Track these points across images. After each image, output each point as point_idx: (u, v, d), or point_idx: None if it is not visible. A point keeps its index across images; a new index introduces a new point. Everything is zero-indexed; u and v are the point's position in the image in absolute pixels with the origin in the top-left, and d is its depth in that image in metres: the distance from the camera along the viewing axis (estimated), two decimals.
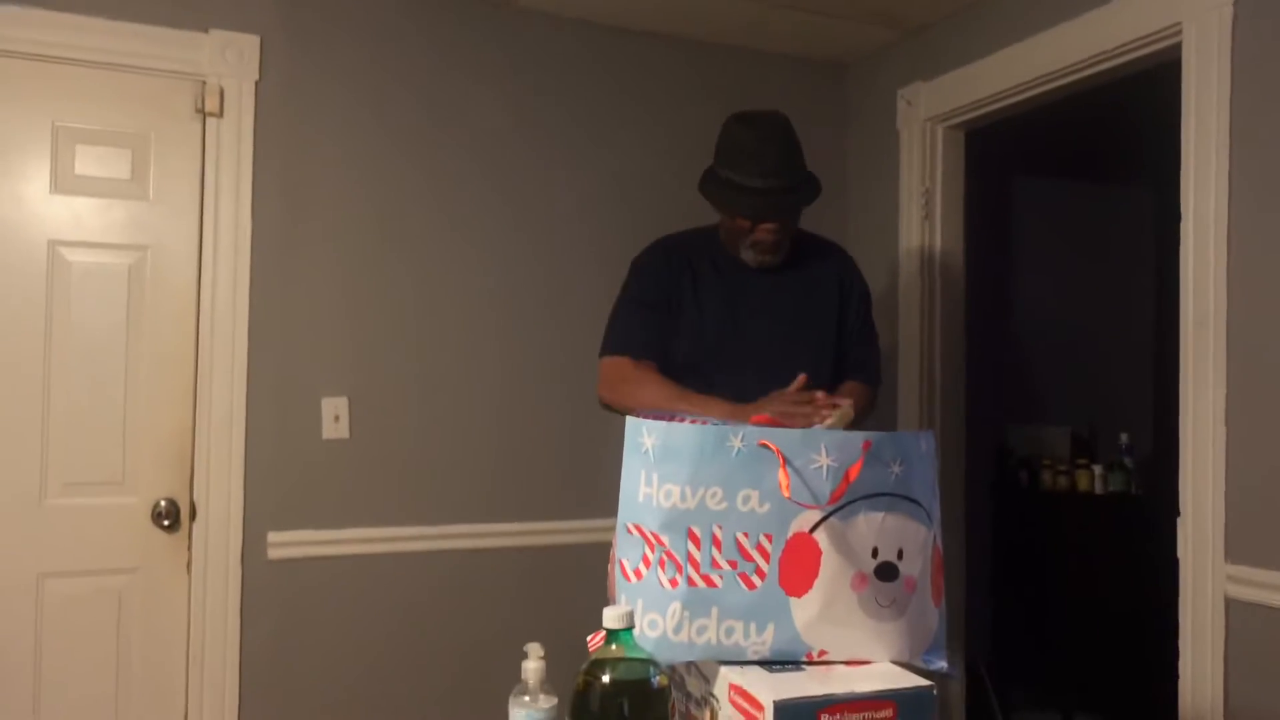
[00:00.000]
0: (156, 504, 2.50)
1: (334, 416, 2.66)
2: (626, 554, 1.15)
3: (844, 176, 3.29)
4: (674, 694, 1.11)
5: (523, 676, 1.14)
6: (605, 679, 1.00)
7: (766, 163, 1.95)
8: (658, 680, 1.02)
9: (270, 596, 2.59)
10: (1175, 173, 2.23)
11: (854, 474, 1.12)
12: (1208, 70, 2.15)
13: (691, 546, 1.12)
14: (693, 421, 1.16)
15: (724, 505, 1.12)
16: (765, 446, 1.12)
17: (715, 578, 1.12)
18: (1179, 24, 2.22)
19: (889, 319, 3.08)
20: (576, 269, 2.92)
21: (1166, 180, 2.24)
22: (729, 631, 1.12)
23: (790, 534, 1.13)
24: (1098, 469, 4.08)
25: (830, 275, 2.18)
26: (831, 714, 1.00)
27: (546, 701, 1.13)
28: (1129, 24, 2.34)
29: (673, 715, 1.03)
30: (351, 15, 2.71)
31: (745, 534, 1.12)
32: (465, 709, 2.73)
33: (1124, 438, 4.15)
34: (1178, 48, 2.24)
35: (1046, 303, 4.40)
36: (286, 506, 2.62)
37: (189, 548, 2.53)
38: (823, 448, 1.13)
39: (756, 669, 1.10)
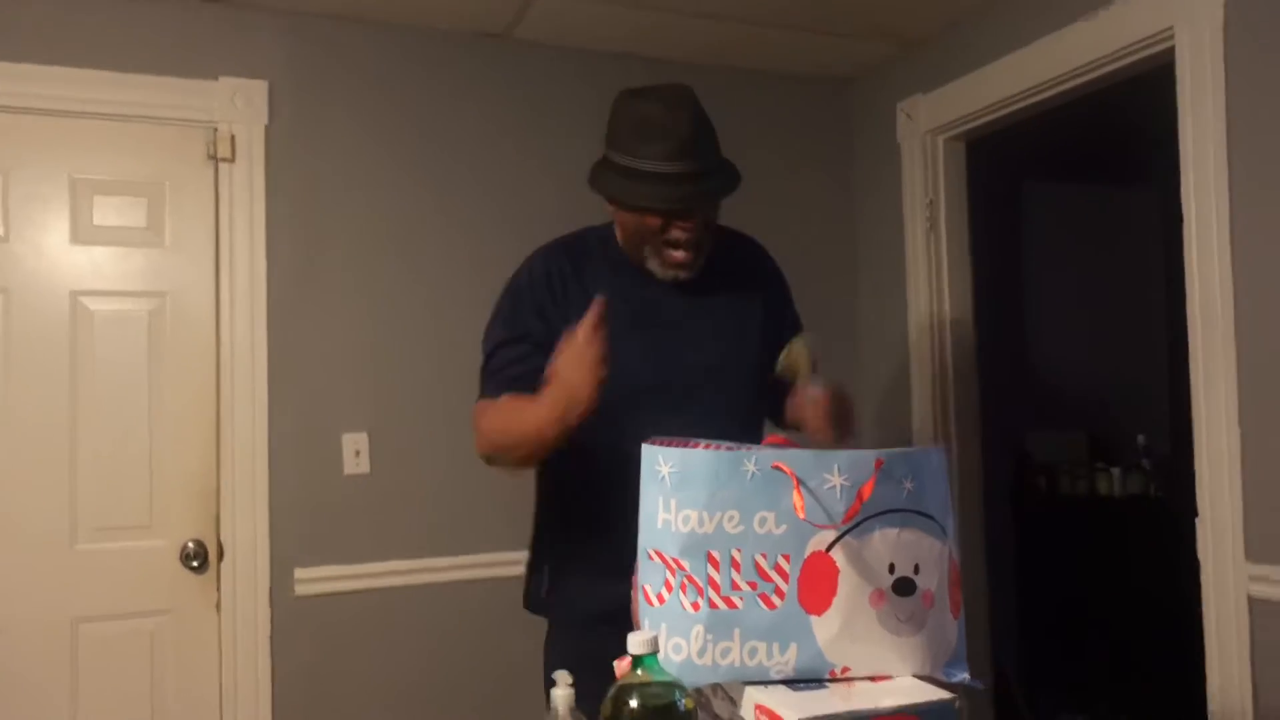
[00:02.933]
0: (185, 545, 2.54)
1: (355, 452, 2.70)
2: (648, 579, 1.17)
3: (849, 192, 3.32)
4: (700, 717, 1.13)
5: (551, 704, 1.16)
6: (633, 704, 1.02)
7: (680, 139, 1.54)
8: (684, 704, 1.04)
9: (299, 633, 2.62)
10: (1179, 174, 2.25)
11: (867, 492, 1.14)
12: (1201, 73, 2.17)
13: (711, 569, 1.14)
14: (706, 447, 1.18)
15: (741, 528, 1.14)
16: (779, 469, 1.14)
17: (736, 599, 1.13)
18: (1171, 28, 2.24)
19: (899, 332, 3.10)
20: None
21: (1174, 179, 2.26)
22: (752, 652, 1.13)
23: (808, 553, 1.14)
24: (1116, 472, 4.07)
25: (750, 278, 1.81)
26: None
27: None
28: (1121, 30, 2.37)
29: None
30: (356, 56, 2.76)
31: (763, 555, 1.14)
32: None
33: (1141, 440, 4.15)
34: (1172, 51, 2.26)
35: (1059, 307, 4.41)
36: (311, 543, 2.65)
37: (218, 588, 2.56)
38: (835, 467, 1.15)
39: (781, 688, 1.12)
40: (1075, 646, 3.93)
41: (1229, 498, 2.11)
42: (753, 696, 1.11)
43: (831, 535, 1.14)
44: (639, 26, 2.85)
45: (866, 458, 1.16)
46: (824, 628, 1.14)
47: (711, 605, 1.13)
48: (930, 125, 2.99)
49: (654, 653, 1.05)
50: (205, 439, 2.58)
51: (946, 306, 3.02)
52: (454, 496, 2.79)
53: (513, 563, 2.81)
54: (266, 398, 2.61)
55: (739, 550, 1.14)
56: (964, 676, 1.21)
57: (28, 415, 2.44)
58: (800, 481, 1.13)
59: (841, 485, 1.14)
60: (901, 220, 3.09)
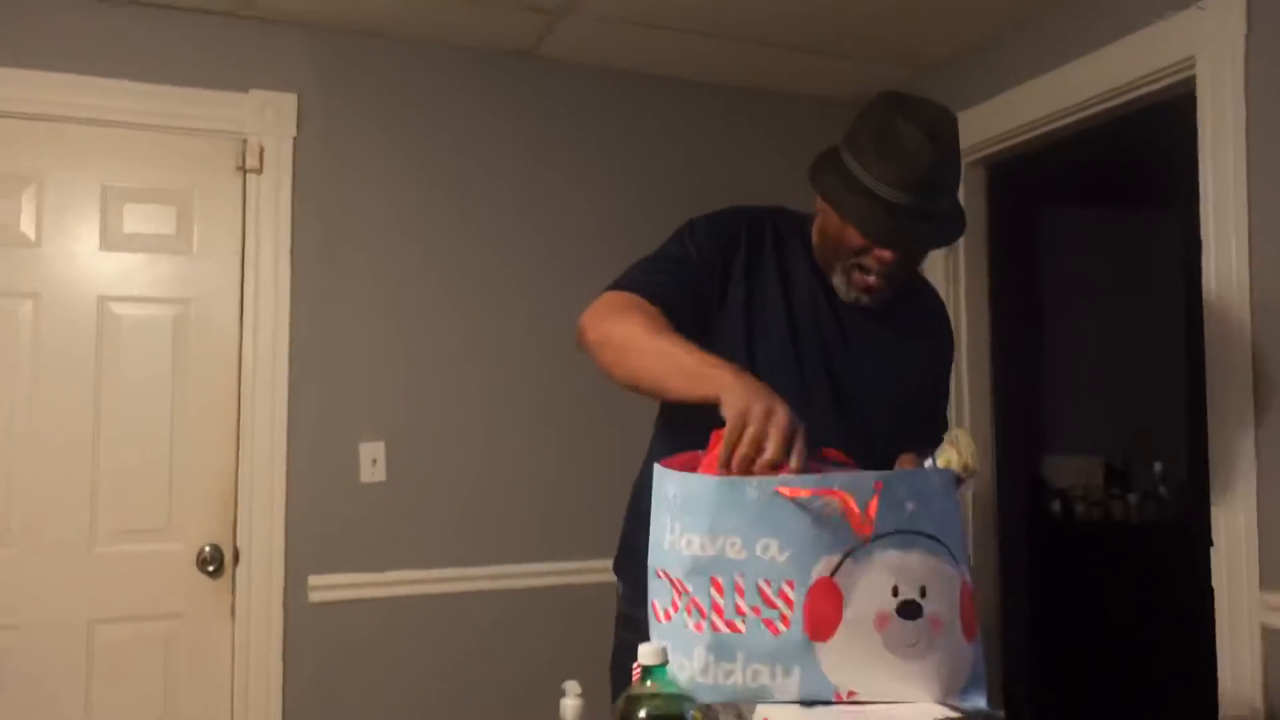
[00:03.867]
0: (201, 550, 2.57)
1: (371, 460, 2.72)
2: (657, 596, 1.18)
3: None
4: None
5: (561, 714, 1.17)
6: (641, 714, 1.03)
7: (919, 171, 1.40)
8: (692, 715, 1.04)
9: (312, 639, 2.63)
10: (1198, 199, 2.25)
11: (872, 511, 1.11)
12: (1222, 102, 2.18)
13: (715, 593, 1.13)
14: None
15: (743, 554, 1.13)
16: (780, 494, 1.12)
17: (739, 623, 1.13)
18: (1192, 57, 2.25)
19: None
20: None
21: (1193, 203, 2.26)
22: (755, 675, 1.13)
23: (813, 580, 1.13)
24: (1132, 499, 4.05)
25: (925, 328, 1.68)
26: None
27: None
28: (1142, 59, 2.37)
29: None
30: (384, 71, 2.81)
31: (766, 581, 1.13)
32: None
33: (1158, 467, 4.12)
34: (1193, 80, 2.27)
35: (1077, 331, 4.39)
36: (326, 550, 2.67)
37: (233, 592, 2.58)
38: (836, 488, 1.12)
39: (793, 707, 1.12)
40: (1088, 672, 3.89)
41: (1244, 526, 2.10)
42: (763, 712, 1.12)
43: (836, 559, 1.13)
44: (662, 47, 2.89)
45: (866, 479, 1.14)
46: (828, 653, 1.13)
47: (714, 628, 1.13)
48: None
49: (664, 664, 1.06)
50: (225, 444, 2.61)
51: (964, 332, 3.02)
52: (470, 507, 2.80)
53: (529, 574, 2.84)
54: (286, 405, 2.64)
55: (741, 575, 1.13)
56: (980, 703, 1.19)
57: (53, 417, 2.47)
58: (802, 505, 1.12)
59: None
60: None
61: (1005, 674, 3.09)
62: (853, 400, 1.54)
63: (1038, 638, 3.99)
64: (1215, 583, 2.17)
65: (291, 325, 2.67)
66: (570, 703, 1.17)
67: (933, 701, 1.15)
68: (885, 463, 1.54)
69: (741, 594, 1.13)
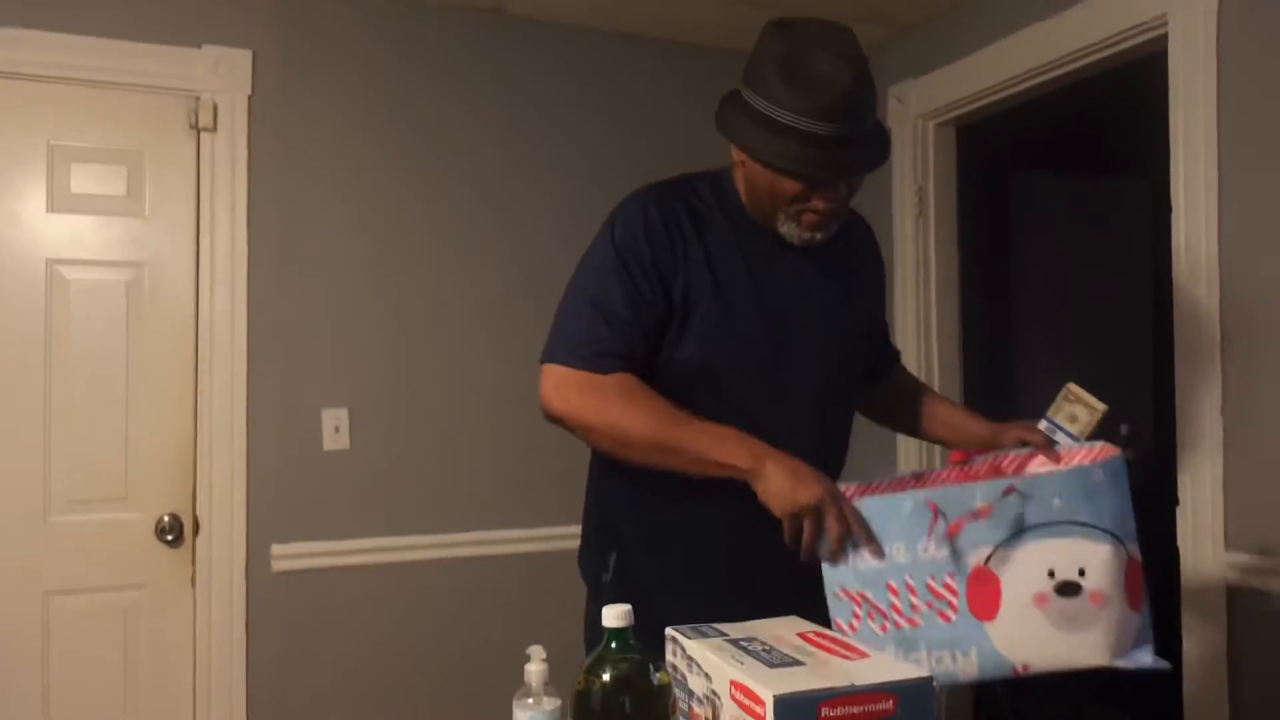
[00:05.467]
0: (160, 519, 2.51)
1: (334, 428, 2.67)
2: (838, 614, 1.32)
3: None
4: (676, 691, 1.11)
5: (526, 679, 1.15)
6: (606, 678, 1.01)
7: (840, 96, 1.29)
8: (658, 678, 1.02)
9: (275, 608, 2.60)
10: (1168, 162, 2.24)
11: (985, 514, 1.30)
12: (1194, 61, 2.16)
13: (891, 596, 1.31)
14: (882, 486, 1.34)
15: (908, 557, 1.31)
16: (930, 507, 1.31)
17: (916, 618, 1.30)
18: (1164, 15, 2.23)
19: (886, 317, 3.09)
20: (567, 273, 2.93)
21: (1163, 171, 2.25)
22: (939, 660, 1.29)
23: (970, 569, 1.30)
24: None
25: (868, 247, 1.67)
26: (832, 707, 1.01)
27: (550, 703, 1.14)
28: (1115, 16, 2.35)
29: (674, 712, 1.04)
30: (342, 27, 2.73)
31: (932, 577, 1.30)
32: (470, 713, 2.74)
33: (1124, 429, 4.15)
34: (1164, 39, 2.25)
35: (1045, 295, 4.41)
36: (289, 519, 2.62)
37: (193, 562, 2.54)
38: (977, 496, 1.32)
39: (758, 665, 1.11)
40: None
41: (1210, 487, 2.12)
42: (728, 673, 1.10)
43: (986, 551, 1.30)
44: (627, 3, 2.83)
45: (998, 487, 1.32)
46: (998, 631, 1.29)
47: (896, 626, 1.30)
48: (921, 110, 2.98)
49: (629, 626, 1.04)
50: (183, 412, 2.55)
51: (933, 295, 3.01)
52: (434, 474, 2.77)
53: (493, 541, 2.82)
54: (245, 371, 2.58)
55: (910, 576, 1.31)
56: (1147, 660, 1.33)
57: (2, 385, 2.40)
58: (945, 514, 1.30)
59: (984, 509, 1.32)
60: (891, 206, 3.07)
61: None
62: (825, 347, 1.51)
63: None
64: (1180, 543, 2.18)
65: (249, 289, 2.60)
66: (535, 668, 1.15)
67: (1098, 665, 1.32)
68: (857, 398, 1.65)
69: (914, 592, 1.31)
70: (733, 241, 1.46)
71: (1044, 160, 4.37)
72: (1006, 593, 1.29)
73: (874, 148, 1.39)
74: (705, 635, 1.16)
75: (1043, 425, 1.54)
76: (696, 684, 1.15)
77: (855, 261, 1.60)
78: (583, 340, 1.42)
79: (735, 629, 1.18)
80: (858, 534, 1.31)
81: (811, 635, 1.16)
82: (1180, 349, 2.20)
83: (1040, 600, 1.29)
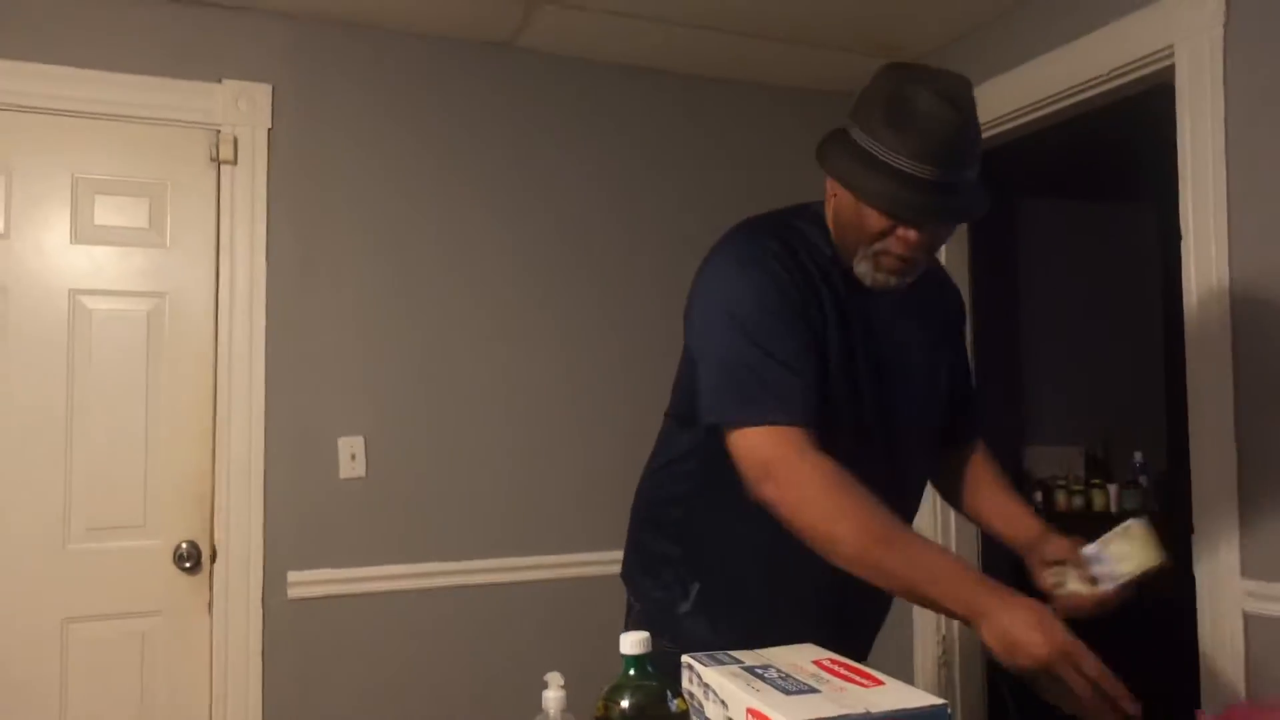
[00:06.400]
0: (178, 546, 2.53)
1: (350, 455, 2.69)
2: None
3: None
4: (693, 719, 1.12)
5: (543, 705, 1.16)
6: (624, 704, 1.02)
7: (940, 139, 1.27)
8: (675, 704, 1.03)
9: (291, 635, 2.61)
10: (1177, 189, 2.26)
11: None
12: (1201, 90, 2.18)
13: None
14: None
15: None
16: None
17: None
18: (1171, 46, 2.25)
19: None
20: (583, 304, 2.96)
21: (1171, 195, 2.27)
22: None
23: None
24: (1112, 488, 4.07)
25: (953, 304, 1.65)
26: None
27: None
28: (1122, 48, 2.38)
29: None
30: (359, 61, 2.77)
31: None
32: None
33: (1138, 456, 4.15)
34: (1171, 70, 2.27)
35: (1056, 322, 4.42)
36: (305, 546, 2.64)
37: (210, 589, 2.55)
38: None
39: (774, 692, 1.12)
40: None
41: (1225, 514, 2.11)
42: (744, 701, 1.10)
43: None
44: (640, 38, 2.87)
45: None
46: None
47: None
48: None
49: (646, 653, 1.05)
50: (201, 440, 2.58)
51: None
52: (450, 502, 2.78)
53: (509, 569, 2.83)
54: (264, 400, 2.61)
55: None
56: None
57: (24, 413, 2.43)
58: None
59: None
60: None
61: (989, 662, 3.09)
62: (924, 397, 1.48)
63: None
64: (1196, 570, 2.18)
65: (268, 319, 2.63)
66: (552, 694, 1.16)
67: None
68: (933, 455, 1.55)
69: None
70: (831, 283, 1.42)
71: (1049, 188, 4.39)
72: None
73: (968, 198, 1.34)
74: (721, 663, 1.17)
75: (1090, 549, 1.44)
76: (713, 712, 1.16)
77: (939, 314, 1.57)
78: (753, 395, 1.32)
79: (751, 656, 1.19)
80: (1108, 685, 1.15)
81: (826, 663, 1.16)
82: (1193, 376, 2.21)
83: None
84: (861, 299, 1.42)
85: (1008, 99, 2.72)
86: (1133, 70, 2.39)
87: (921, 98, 1.28)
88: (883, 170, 1.29)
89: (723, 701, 1.14)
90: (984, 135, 2.80)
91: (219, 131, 2.62)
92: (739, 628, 1.37)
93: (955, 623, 1.23)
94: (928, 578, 1.24)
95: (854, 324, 1.42)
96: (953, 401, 1.58)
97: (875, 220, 1.33)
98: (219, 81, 2.62)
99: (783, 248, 1.40)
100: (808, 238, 1.44)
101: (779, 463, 1.28)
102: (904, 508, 1.37)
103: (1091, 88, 2.50)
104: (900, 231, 1.33)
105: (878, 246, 1.35)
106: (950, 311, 1.62)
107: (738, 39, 2.89)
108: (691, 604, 1.52)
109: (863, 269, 1.39)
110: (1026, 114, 2.70)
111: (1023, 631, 1.16)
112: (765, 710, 1.06)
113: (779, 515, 1.30)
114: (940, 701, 1.05)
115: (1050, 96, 2.60)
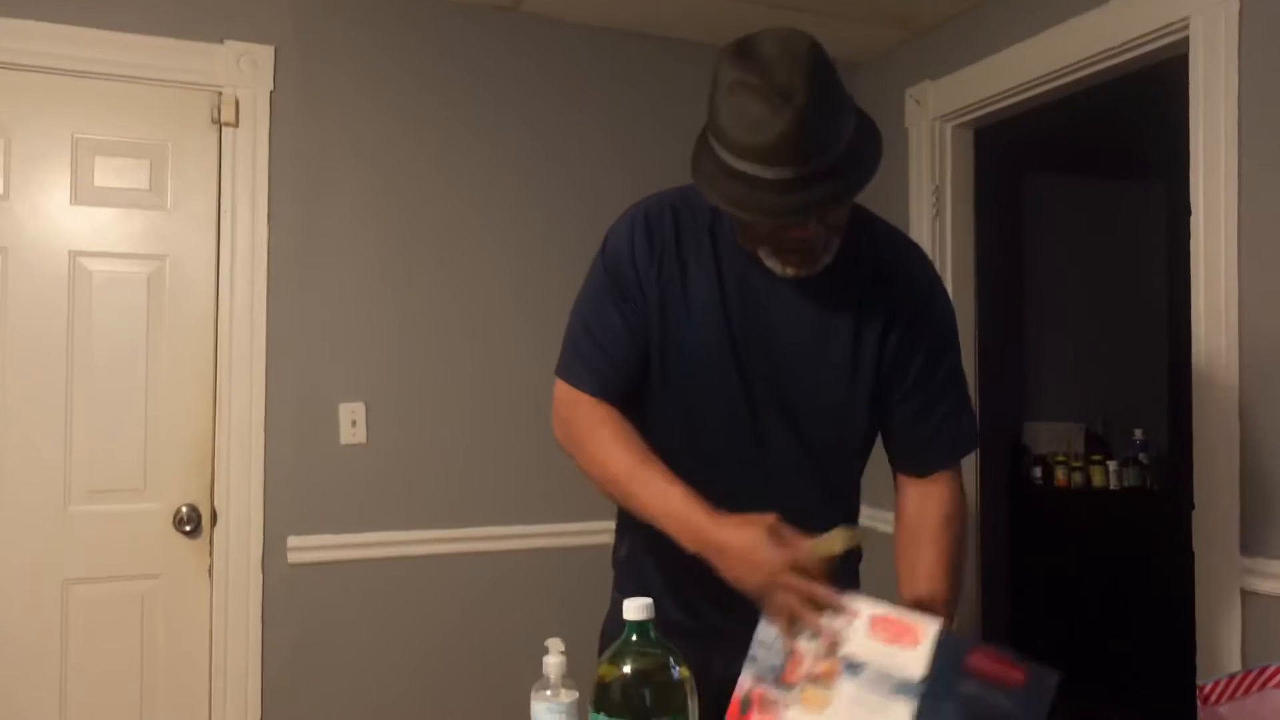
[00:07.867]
0: (178, 510, 2.53)
1: (351, 421, 2.69)
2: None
3: None
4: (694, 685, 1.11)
5: (544, 671, 1.16)
6: (626, 670, 1.01)
7: (777, 137, 1.15)
8: (679, 671, 1.03)
9: (291, 600, 2.62)
10: (1185, 166, 2.24)
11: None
12: (1215, 64, 2.16)
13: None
14: None
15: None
16: None
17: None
18: (1186, 18, 2.22)
19: None
20: (584, 270, 2.94)
21: (1178, 173, 2.25)
22: None
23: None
24: (1112, 465, 4.07)
25: (929, 307, 1.46)
26: (978, 658, 1.08)
27: (568, 695, 1.14)
28: (1136, 19, 2.35)
29: (692, 697, 1.04)
30: (362, 23, 2.74)
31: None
32: (487, 707, 2.75)
33: (1138, 433, 4.14)
34: (1185, 42, 2.24)
35: (1059, 299, 4.40)
36: (306, 511, 2.64)
37: (210, 553, 2.56)
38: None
39: (900, 608, 1.16)
40: (1068, 638, 3.93)
41: (1226, 491, 2.11)
42: (871, 611, 1.14)
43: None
44: (644, 3, 2.83)
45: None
46: None
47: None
48: (938, 112, 2.98)
49: (650, 619, 1.04)
50: (202, 403, 2.57)
51: (949, 291, 3.00)
52: (450, 469, 2.78)
53: (510, 536, 2.83)
54: (264, 364, 2.60)
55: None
56: None
57: (24, 376, 2.42)
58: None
59: None
60: (907, 207, 3.07)
61: (985, 636, 3.11)
62: (799, 399, 1.39)
63: (1018, 603, 4.03)
64: (1196, 547, 2.18)
65: (269, 283, 2.62)
66: (553, 660, 1.16)
67: None
68: (864, 454, 1.49)
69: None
70: (711, 259, 1.37)
71: (1056, 162, 4.36)
72: None
73: (834, 184, 1.20)
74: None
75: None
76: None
77: (887, 314, 1.39)
78: (571, 362, 1.46)
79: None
80: (822, 598, 1.16)
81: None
82: (1197, 352, 2.20)
83: None
84: (768, 280, 1.36)
85: (1016, 72, 2.69)
86: (1147, 42, 2.35)
87: (758, 94, 1.16)
88: (735, 178, 1.20)
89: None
90: (993, 107, 2.82)
91: (221, 93, 2.59)
92: (668, 575, 1.45)
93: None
94: (663, 512, 1.29)
95: (746, 300, 1.37)
96: (902, 419, 1.42)
97: (754, 225, 1.29)
98: (221, 42, 2.59)
99: (667, 213, 1.42)
100: (695, 210, 1.41)
101: (571, 417, 1.44)
102: (802, 512, 1.26)
103: (1105, 59, 2.47)
104: (778, 230, 1.27)
105: (773, 243, 1.31)
106: (906, 315, 1.42)
107: (746, 6, 2.85)
108: (626, 553, 1.58)
109: (771, 263, 1.33)
110: (1037, 87, 2.67)
111: (737, 560, 1.21)
112: (902, 618, 1.13)
113: (564, 446, 1.46)
114: (1053, 670, 1.09)
115: (1060, 69, 2.56)
